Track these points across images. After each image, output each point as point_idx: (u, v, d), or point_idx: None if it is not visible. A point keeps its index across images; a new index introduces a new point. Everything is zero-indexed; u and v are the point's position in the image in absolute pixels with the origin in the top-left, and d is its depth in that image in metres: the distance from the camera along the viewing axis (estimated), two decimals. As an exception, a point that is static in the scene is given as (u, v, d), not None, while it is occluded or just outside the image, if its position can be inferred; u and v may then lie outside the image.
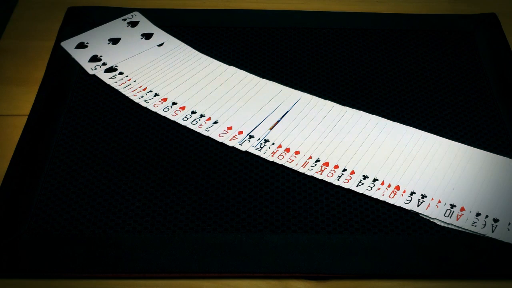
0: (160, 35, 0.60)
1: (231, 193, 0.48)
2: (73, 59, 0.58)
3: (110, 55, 0.58)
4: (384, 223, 0.46)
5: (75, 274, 0.43)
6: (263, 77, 0.57)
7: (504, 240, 0.44)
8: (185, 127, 0.52)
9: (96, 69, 0.56)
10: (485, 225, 0.45)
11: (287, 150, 0.50)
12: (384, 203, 0.47)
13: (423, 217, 0.46)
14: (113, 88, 0.55)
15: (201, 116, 0.52)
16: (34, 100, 0.54)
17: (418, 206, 0.46)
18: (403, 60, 0.59)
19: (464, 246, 0.45)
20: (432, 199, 0.47)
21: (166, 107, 0.53)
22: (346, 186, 0.47)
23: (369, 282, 0.43)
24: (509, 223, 0.45)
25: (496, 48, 0.60)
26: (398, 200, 0.47)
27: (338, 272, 0.43)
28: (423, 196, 0.47)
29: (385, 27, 0.63)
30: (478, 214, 0.46)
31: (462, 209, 0.46)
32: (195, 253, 0.44)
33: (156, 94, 0.54)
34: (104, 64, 0.57)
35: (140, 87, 0.55)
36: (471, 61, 0.59)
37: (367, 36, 0.61)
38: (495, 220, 0.45)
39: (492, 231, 0.45)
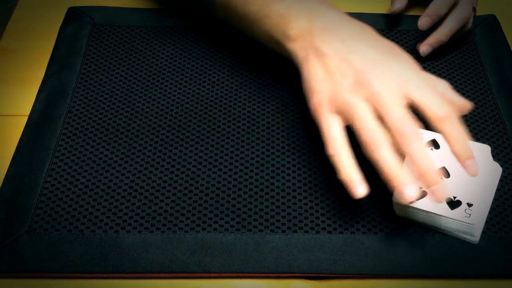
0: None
1: (231, 193, 0.48)
2: (74, 59, 0.58)
3: None
4: (384, 223, 0.46)
5: (75, 274, 0.43)
6: (264, 77, 0.57)
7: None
8: (185, 127, 0.52)
9: None
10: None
11: None
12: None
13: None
14: (113, 88, 0.55)
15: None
16: (34, 100, 0.54)
17: None
18: (403, 61, 0.59)
19: (464, 246, 0.45)
20: None
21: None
22: None
23: (369, 282, 0.44)
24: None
25: (496, 48, 0.61)
26: None
27: (339, 272, 0.43)
28: None
29: (385, 27, 0.63)
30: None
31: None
32: (195, 253, 0.44)
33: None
34: None
35: None
36: (471, 61, 0.60)
37: (367, 36, 0.61)
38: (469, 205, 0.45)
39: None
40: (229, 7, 0.53)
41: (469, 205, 0.45)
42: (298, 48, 0.47)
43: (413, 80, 0.43)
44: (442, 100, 0.43)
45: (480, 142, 0.51)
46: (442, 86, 0.44)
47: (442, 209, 0.44)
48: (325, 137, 0.44)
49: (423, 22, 0.55)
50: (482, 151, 0.48)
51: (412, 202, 0.44)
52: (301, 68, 0.47)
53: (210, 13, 0.58)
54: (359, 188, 0.43)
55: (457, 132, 0.42)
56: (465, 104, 0.45)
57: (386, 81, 0.43)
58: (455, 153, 0.43)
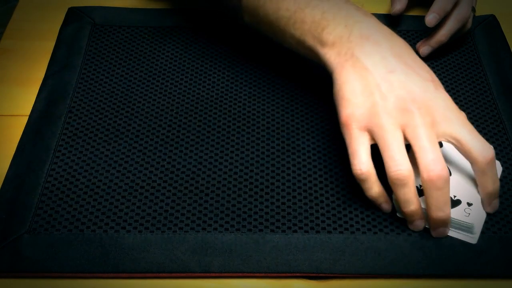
0: None
1: (232, 193, 0.48)
2: (74, 59, 0.58)
3: None
4: (384, 223, 0.46)
5: (76, 274, 0.43)
6: (264, 77, 0.57)
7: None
8: (185, 127, 0.52)
9: None
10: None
11: None
12: None
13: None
14: (113, 88, 0.56)
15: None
16: (35, 101, 0.54)
17: None
18: (403, 61, 0.59)
19: (463, 246, 0.45)
20: None
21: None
22: None
23: (369, 282, 0.44)
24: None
25: (495, 49, 0.61)
26: None
27: (338, 271, 0.43)
28: None
29: (385, 27, 0.63)
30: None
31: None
32: (195, 253, 0.44)
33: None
34: None
35: None
36: (470, 61, 0.60)
37: (367, 36, 0.62)
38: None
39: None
40: (259, 13, 0.52)
41: (469, 204, 0.45)
42: (334, 54, 0.46)
43: (451, 117, 0.43)
44: (483, 140, 0.44)
45: None
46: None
47: None
48: (352, 155, 0.44)
49: (431, 18, 0.55)
50: None
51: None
52: (335, 74, 0.46)
53: (236, 19, 0.56)
54: (385, 205, 0.46)
55: (495, 173, 0.44)
56: None
57: (427, 116, 0.43)
58: (487, 193, 0.45)
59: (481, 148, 0.43)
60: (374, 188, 0.44)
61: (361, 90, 0.44)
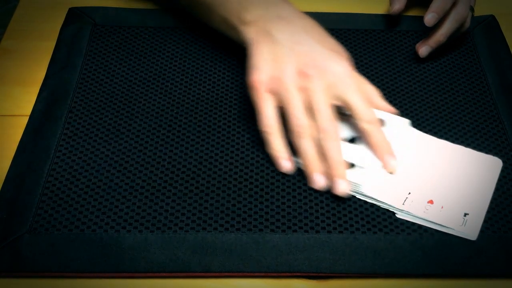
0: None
1: (232, 193, 0.48)
2: (74, 60, 0.58)
3: None
4: (384, 222, 0.46)
5: (76, 274, 0.43)
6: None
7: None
8: (185, 127, 0.52)
9: None
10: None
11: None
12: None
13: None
14: (114, 88, 0.56)
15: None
16: (35, 101, 0.54)
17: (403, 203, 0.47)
18: (403, 61, 0.59)
19: (464, 245, 0.45)
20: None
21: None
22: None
23: (369, 282, 0.44)
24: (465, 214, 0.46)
25: (495, 49, 0.61)
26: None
27: (338, 271, 0.43)
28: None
29: (385, 27, 0.63)
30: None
31: (430, 202, 0.47)
32: (196, 253, 0.44)
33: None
34: None
35: None
36: (470, 62, 0.60)
37: (367, 36, 0.62)
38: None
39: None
40: None
41: (361, 168, 0.48)
42: (252, 31, 0.51)
43: (347, 83, 0.48)
44: (369, 107, 0.48)
45: (478, 143, 0.51)
46: (370, 90, 0.50)
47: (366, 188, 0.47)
48: (260, 113, 0.49)
49: (429, 18, 0.56)
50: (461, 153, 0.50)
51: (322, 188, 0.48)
52: (250, 47, 0.51)
53: (173, 2, 0.62)
54: (284, 162, 0.49)
55: (381, 133, 0.49)
56: (390, 109, 0.51)
57: (323, 80, 0.48)
58: (377, 152, 0.49)
59: (364, 111, 0.48)
60: (276, 141, 0.48)
61: (270, 59, 0.49)
